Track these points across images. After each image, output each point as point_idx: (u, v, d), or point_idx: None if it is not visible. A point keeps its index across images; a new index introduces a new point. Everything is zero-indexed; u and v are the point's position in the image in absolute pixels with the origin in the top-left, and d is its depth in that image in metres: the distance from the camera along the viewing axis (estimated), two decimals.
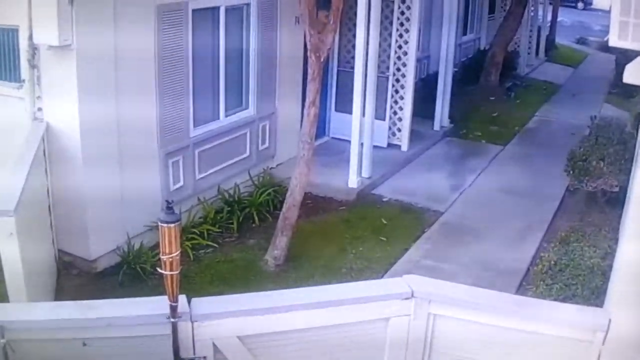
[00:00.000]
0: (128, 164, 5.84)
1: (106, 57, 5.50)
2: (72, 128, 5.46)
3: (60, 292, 5.46)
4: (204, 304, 3.66)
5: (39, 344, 3.42)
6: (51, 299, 5.20)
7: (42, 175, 5.46)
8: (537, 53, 16.48)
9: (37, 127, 5.52)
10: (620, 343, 3.57)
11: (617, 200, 6.99)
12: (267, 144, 7.84)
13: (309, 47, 5.85)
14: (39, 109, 5.58)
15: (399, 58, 9.04)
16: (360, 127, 7.72)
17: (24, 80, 5.57)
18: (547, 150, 9.55)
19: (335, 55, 9.05)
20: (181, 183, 6.61)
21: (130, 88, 5.75)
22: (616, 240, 5.90)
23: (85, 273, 5.80)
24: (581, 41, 20.94)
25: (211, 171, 6.99)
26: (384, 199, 7.81)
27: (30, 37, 5.36)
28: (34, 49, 5.42)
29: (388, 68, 8.94)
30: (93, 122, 5.49)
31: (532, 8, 15.45)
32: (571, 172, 7.47)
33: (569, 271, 5.80)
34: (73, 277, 5.76)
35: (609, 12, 3.54)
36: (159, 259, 3.36)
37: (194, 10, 6.40)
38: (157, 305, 3.49)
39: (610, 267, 5.13)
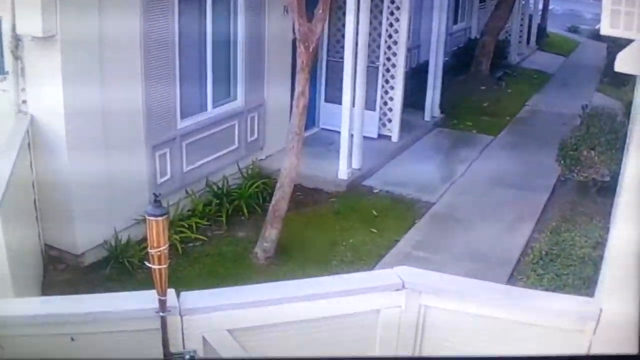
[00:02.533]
0: (114, 157, 5.76)
1: (91, 48, 5.42)
2: (57, 120, 5.38)
3: (48, 287, 5.41)
4: (193, 298, 3.63)
5: (27, 339, 3.38)
6: (38, 294, 5.15)
7: (27, 168, 5.39)
8: (528, 42, 16.46)
9: (21, 119, 5.45)
10: (611, 332, 3.57)
11: (608, 190, 6.99)
12: (255, 136, 7.78)
13: (297, 37, 5.79)
14: (23, 101, 5.50)
15: (389, 47, 8.98)
16: (350, 117, 7.68)
17: (7, 72, 5.48)
18: (538, 140, 9.55)
19: (325, 45, 8.99)
20: (168, 176, 6.55)
21: (115, 80, 5.66)
22: (607, 230, 5.91)
23: (73, 267, 5.74)
24: (572, 29, 20.94)
25: (199, 163, 6.92)
26: (375, 190, 7.78)
27: (14, 28, 5.27)
28: (17, 40, 5.33)
29: (378, 58, 8.88)
30: (78, 115, 5.42)
31: None
32: (562, 161, 7.48)
33: (560, 261, 5.83)
34: (60, 272, 5.71)
35: (600, 0, 3.51)
36: (147, 253, 3.32)
37: (180, 0, 6.31)
38: (146, 299, 3.45)
39: (601, 256, 5.13)
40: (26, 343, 3.38)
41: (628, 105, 8.73)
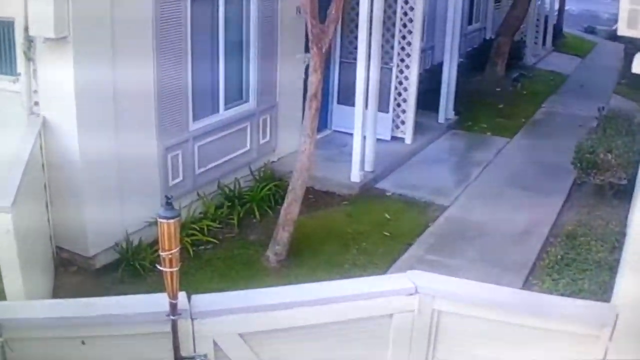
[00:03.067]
0: (126, 159, 5.77)
1: (104, 49, 5.42)
2: (69, 122, 5.39)
3: (59, 289, 5.42)
4: (205, 301, 3.61)
5: (38, 342, 3.39)
6: (49, 296, 5.16)
7: (39, 170, 5.41)
8: (544, 42, 16.32)
9: (33, 121, 5.47)
10: (628, 338, 3.52)
11: (625, 193, 6.91)
12: (267, 138, 7.76)
13: (310, 38, 5.76)
14: (36, 103, 5.52)
15: (402, 49, 8.93)
16: (363, 119, 7.62)
17: (19, 74, 5.51)
18: (554, 143, 9.45)
19: (338, 46, 8.95)
20: (180, 178, 6.55)
21: (128, 81, 5.66)
22: (624, 234, 5.83)
23: (84, 270, 5.75)
24: (589, 30, 20.76)
25: (211, 166, 6.92)
26: (388, 193, 7.72)
27: (26, 30, 5.29)
28: (29, 41, 5.35)
29: (392, 59, 8.83)
30: (91, 117, 5.43)
31: None
32: (578, 164, 7.39)
33: (576, 266, 5.75)
34: (71, 274, 5.72)
35: (617, 0, 3.45)
36: (158, 256, 3.30)
37: (192, 1, 6.32)
38: (157, 302, 3.44)
39: (618, 261, 5.05)
40: (37, 346, 3.38)
41: None
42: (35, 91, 5.50)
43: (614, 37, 16.94)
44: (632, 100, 10.94)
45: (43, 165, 5.50)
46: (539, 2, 15.47)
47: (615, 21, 3.63)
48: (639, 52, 3.38)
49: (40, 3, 5.09)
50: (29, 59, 5.42)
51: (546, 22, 16.31)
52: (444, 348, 3.84)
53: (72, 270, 5.76)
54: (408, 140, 9.09)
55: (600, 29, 20.64)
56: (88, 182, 5.53)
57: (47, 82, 5.44)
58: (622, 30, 3.40)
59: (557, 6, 17.82)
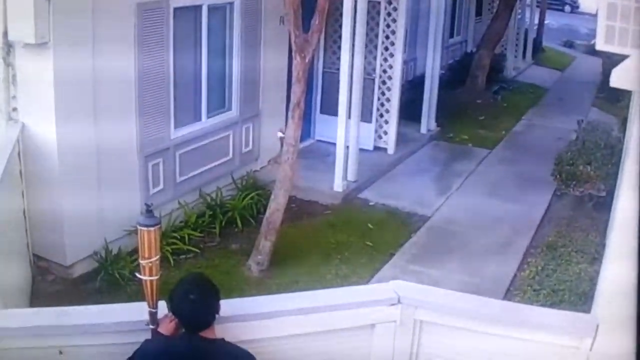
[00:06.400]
0: (106, 167, 5.72)
1: (84, 55, 5.36)
2: (48, 128, 5.32)
3: (36, 299, 5.32)
4: None
5: (14, 352, 3.30)
6: (26, 306, 5.06)
7: (16, 177, 5.32)
8: (524, 56, 16.55)
9: (12, 127, 5.39)
10: (608, 349, 3.53)
11: (604, 205, 6.99)
12: (250, 147, 7.74)
13: (293, 47, 5.78)
14: (14, 109, 5.43)
15: (385, 60, 8.98)
16: (345, 129, 7.64)
17: None
18: (534, 154, 9.55)
19: (321, 56, 8.98)
20: (161, 186, 6.49)
21: (108, 88, 5.62)
22: (603, 245, 5.88)
23: (62, 279, 5.66)
24: (568, 44, 21.10)
25: (192, 174, 6.87)
26: (370, 203, 7.73)
27: (5, 34, 5.22)
28: (9, 46, 5.28)
29: (374, 70, 8.88)
30: (70, 122, 5.35)
31: (519, 11, 15.52)
32: (558, 176, 7.47)
33: (556, 277, 5.80)
34: (49, 283, 5.62)
35: (595, 15, 3.50)
36: (138, 264, 3.25)
37: (175, 9, 6.31)
38: (136, 311, 3.37)
39: (598, 272, 5.10)
40: (13, 356, 3.30)
41: (623, 121, 8.74)
42: (14, 97, 5.41)
43: (592, 51, 17.21)
44: (610, 114, 11.10)
45: (21, 172, 5.40)
46: (519, 16, 15.69)
47: (594, 36, 3.68)
48: (616, 66, 3.42)
49: (20, 7, 5.04)
50: (7, 64, 5.34)
51: (526, 35, 16.55)
52: (425, 359, 3.84)
53: (50, 279, 5.65)
54: (390, 150, 9.13)
55: (579, 43, 20.97)
56: (67, 191, 5.45)
57: (26, 88, 5.37)
58: (600, 45, 3.44)
59: (537, 20, 18.09)
